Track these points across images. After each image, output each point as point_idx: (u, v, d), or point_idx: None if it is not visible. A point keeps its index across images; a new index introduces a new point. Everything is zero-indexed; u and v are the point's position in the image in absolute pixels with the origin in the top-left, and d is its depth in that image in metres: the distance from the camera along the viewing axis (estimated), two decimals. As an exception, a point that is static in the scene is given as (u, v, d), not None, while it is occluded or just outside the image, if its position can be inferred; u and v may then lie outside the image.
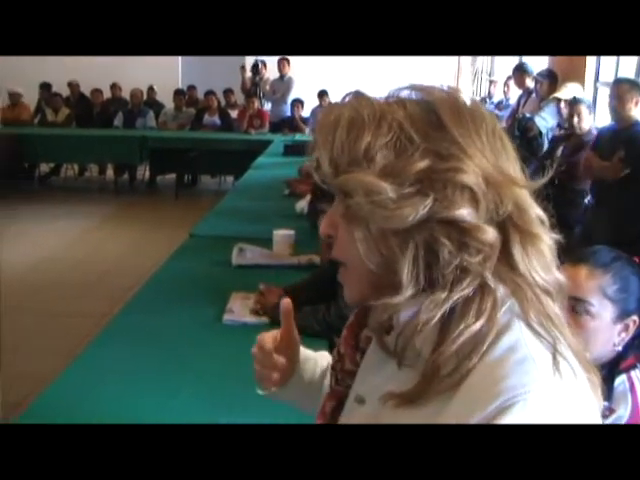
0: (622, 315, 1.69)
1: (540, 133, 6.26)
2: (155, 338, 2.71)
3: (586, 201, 5.11)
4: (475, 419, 0.79)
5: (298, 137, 9.82)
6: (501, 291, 0.86)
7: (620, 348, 1.71)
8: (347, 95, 0.93)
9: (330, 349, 2.61)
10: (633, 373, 1.69)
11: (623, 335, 1.71)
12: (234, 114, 11.02)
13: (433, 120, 0.86)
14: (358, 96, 0.91)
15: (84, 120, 11.17)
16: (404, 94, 0.91)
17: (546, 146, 6.22)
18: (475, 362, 0.82)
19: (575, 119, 5.36)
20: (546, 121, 6.28)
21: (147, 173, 11.06)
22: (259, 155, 8.35)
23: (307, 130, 10.52)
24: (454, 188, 0.83)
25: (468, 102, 0.90)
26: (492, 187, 0.84)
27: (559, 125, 6.21)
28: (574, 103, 5.50)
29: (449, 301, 0.84)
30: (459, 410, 0.82)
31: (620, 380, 1.68)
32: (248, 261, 3.63)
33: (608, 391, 1.64)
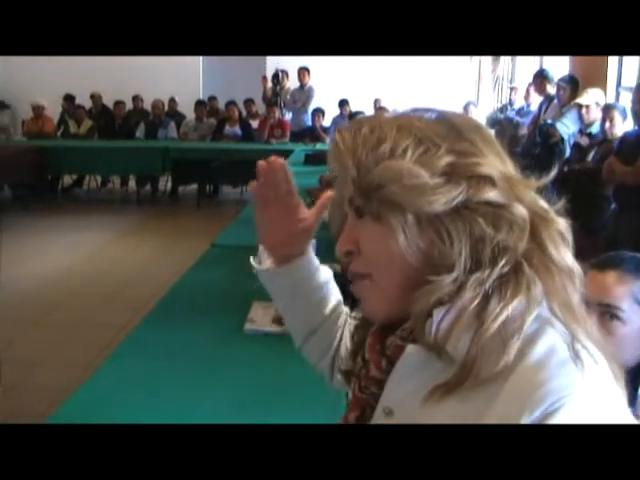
0: None
1: (562, 139, 6.23)
2: (176, 349, 2.70)
3: (612, 207, 5.06)
4: (522, 422, 0.79)
5: (319, 146, 9.83)
6: (537, 285, 0.87)
7: None
8: (355, 118, 0.99)
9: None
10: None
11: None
12: (255, 124, 11.06)
13: (448, 126, 0.91)
14: (368, 116, 0.98)
15: (106, 132, 11.25)
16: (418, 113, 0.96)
17: (568, 152, 6.19)
18: (517, 361, 0.83)
19: (607, 124, 5.31)
20: (567, 127, 6.25)
21: (169, 184, 11.11)
22: (281, 164, 8.35)
23: (328, 139, 10.53)
24: (478, 179, 0.87)
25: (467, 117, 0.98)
26: (508, 184, 0.89)
27: (580, 131, 6.17)
28: (607, 108, 5.47)
29: (491, 278, 0.86)
30: (504, 412, 0.81)
31: None
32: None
33: (633, 397, 1.61)
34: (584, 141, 6.01)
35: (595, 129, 6.00)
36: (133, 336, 2.84)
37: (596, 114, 5.94)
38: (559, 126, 6.27)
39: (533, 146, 6.52)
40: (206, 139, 10.92)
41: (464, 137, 0.90)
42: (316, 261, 1.35)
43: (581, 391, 0.79)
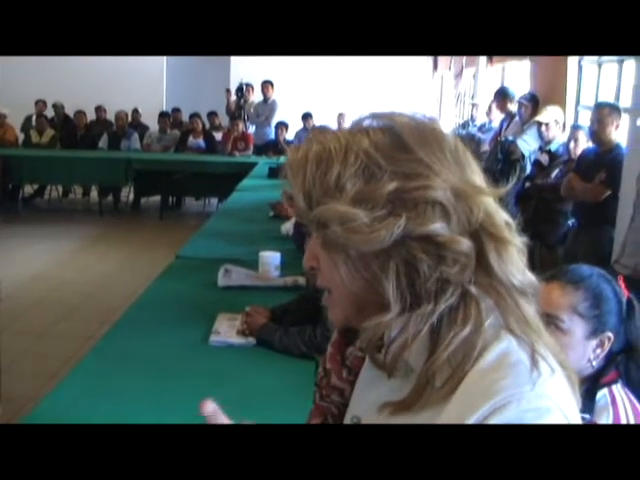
0: (595, 331, 1.72)
1: (523, 156, 6.32)
2: (142, 360, 2.70)
3: (570, 223, 5.16)
4: (471, 420, 0.82)
5: (282, 159, 9.76)
6: (486, 302, 0.89)
7: (595, 363, 1.73)
8: (311, 131, 0.99)
9: (317, 369, 2.63)
10: (614, 387, 1.71)
11: (598, 351, 1.73)
12: (218, 136, 11.05)
13: (397, 144, 0.89)
14: (322, 131, 0.94)
15: (68, 142, 11.16)
16: (367, 123, 0.94)
17: (529, 169, 6.29)
18: (468, 369, 0.85)
19: (572, 144, 5.42)
20: (528, 144, 6.34)
21: (131, 195, 11.05)
22: (244, 177, 8.38)
23: (291, 152, 10.55)
24: (425, 205, 0.86)
25: (428, 122, 0.93)
26: (461, 199, 0.87)
27: (540, 148, 6.28)
28: (574, 129, 5.59)
29: (436, 312, 0.88)
30: (454, 413, 0.84)
31: (601, 394, 1.70)
32: (234, 282, 3.65)
33: (590, 404, 1.66)
34: (544, 159, 6.12)
35: (554, 147, 6.12)
36: (98, 347, 2.82)
37: (555, 132, 6.07)
38: (520, 143, 6.36)
39: (495, 162, 6.60)
40: (169, 150, 10.89)
41: (414, 154, 0.88)
42: None
43: (531, 392, 0.82)
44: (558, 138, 6.19)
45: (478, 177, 0.91)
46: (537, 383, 0.83)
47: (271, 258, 3.82)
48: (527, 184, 6.13)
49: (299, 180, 0.91)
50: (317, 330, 2.77)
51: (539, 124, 6.17)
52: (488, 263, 0.88)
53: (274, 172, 8.17)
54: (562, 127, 6.23)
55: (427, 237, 0.86)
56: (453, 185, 0.87)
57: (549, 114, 6.13)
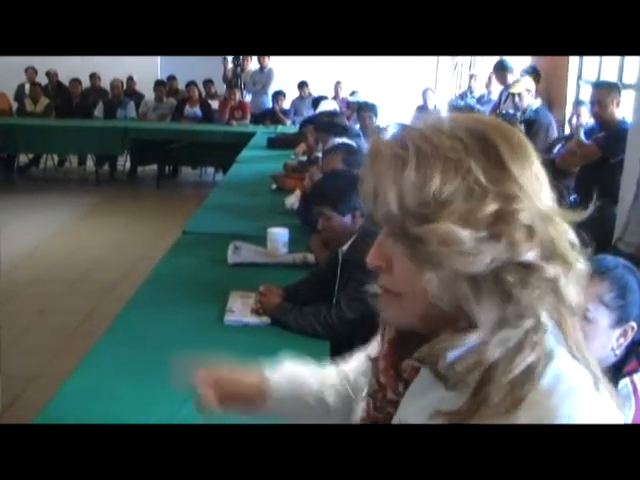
0: (620, 321, 1.76)
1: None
2: (158, 341, 2.71)
3: (572, 198, 5.20)
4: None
5: (280, 129, 9.84)
6: (550, 323, 0.91)
7: (619, 352, 1.78)
8: (397, 127, 0.94)
9: (332, 350, 2.67)
10: (636, 376, 1.76)
11: (621, 340, 1.78)
12: (215, 105, 11.00)
13: (494, 159, 0.88)
14: (411, 129, 0.92)
15: (63, 110, 11.08)
16: (453, 125, 0.91)
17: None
18: (528, 392, 0.87)
19: (574, 119, 5.48)
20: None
21: (128, 164, 11.01)
22: (241, 147, 8.35)
23: (288, 122, 10.55)
24: (520, 229, 0.86)
25: (512, 130, 0.92)
26: (546, 223, 0.88)
27: (518, 120, 6.32)
28: (577, 105, 5.64)
29: (514, 338, 0.89)
30: None
31: (623, 383, 1.75)
32: (244, 259, 3.67)
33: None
34: (520, 129, 6.17)
35: (528, 114, 6.21)
36: (113, 329, 2.83)
37: (528, 100, 6.29)
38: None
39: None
40: (166, 119, 10.84)
41: (509, 172, 0.87)
42: (284, 396, 1.41)
43: (584, 419, 0.86)
44: (532, 106, 6.30)
45: (550, 195, 0.92)
46: (591, 408, 0.88)
47: (279, 235, 3.84)
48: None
49: (392, 180, 0.88)
50: (332, 311, 2.81)
51: (512, 95, 6.27)
52: (557, 286, 0.89)
53: (274, 143, 8.16)
54: (534, 95, 6.33)
55: (521, 263, 0.87)
56: (540, 208, 0.88)
57: (521, 85, 6.27)
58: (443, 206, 0.86)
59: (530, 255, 0.87)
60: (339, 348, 2.73)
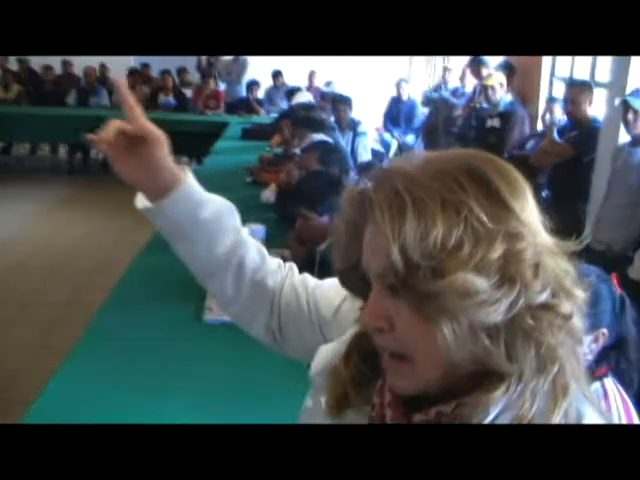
0: (592, 327, 1.82)
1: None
2: (138, 341, 2.74)
3: (544, 194, 5.28)
4: None
5: (255, 119, 9.83)
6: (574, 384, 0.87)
7: (590, 357, 1.84)
8: (386, 171, 0.87)
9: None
10: (606, 381, 1.82)
11: (593, 346, 1.84)
12: (189, 94, 10.96)
13: (494, 197, 0.82)
14: (398, 174, 0.85)
15: (35, 98, 10.97)
16: (437, 159, 0.86)
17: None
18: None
19: (547, 116, 5.57)
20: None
21: (101, 153, 10.88)
22: (215, 136, 8.35)
23: (263, 112, 10.55)
24: (529, 268, 0.81)
25: (506, 164, 0.87)
26: (550, 259, 0.84)
27: (490, 115, 6.38)
28: (550, 102, 5.74)
29: (545, 386, 0.84)
30: None
31: (594, 387, 1.81)
32: (221, 255, 3.69)
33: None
34: (496, 122, 6.26)
35: (504, 107, 6.27)
36: (92, 330, 2.83)
37: (500, 93, 6.33)
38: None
39: (468, 130, 6.70)
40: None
41: (511, 209, 0.82)
42: (197, 194, 1.24)
43: None
44: (504, 99, 6.36)
45: (541, 223, 0.86)
46: None
47: (256, 231, 3.85)
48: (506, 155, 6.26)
49: (391, 229, 0.81)
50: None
51: (485, 88, 6.34)
52: (570, 323, 0.85)
53: (248, 133, 8.17)
54: (505, 89, 6.40)
55: (537, 304, 0.82)
56: (542, 243, 0.84)
57: (494, 78, 6.34)
58: (451, 255, 0.80)
59: (544, 295, 0.82)
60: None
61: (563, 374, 0.85)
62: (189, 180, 1.20)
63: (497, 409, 0.84)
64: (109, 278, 3.36)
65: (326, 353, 1.07)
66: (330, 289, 1.22)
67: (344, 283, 0.97)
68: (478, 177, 0.83)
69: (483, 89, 6.47)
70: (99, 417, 2.15)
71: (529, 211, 0.84)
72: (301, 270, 3.28)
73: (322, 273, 3.09)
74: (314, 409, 1.06)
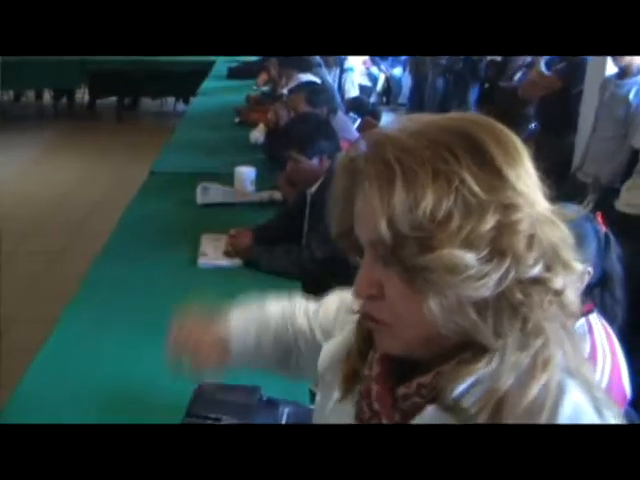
0: None
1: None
2: (135, 289, 2.78)
3: (532, 126, 5.30)
4: None
5: (240, 57, 9.70)
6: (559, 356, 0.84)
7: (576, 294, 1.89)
8: (373, 135, 0.85)
9: (304, 288, 2.77)
10: (591, 317, 1.88)
11: (578, 284, 1.89)
12: (173, 33, 10.79)
13: (488, 166, 0.79)
14: (390, 140, 0.82)
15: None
16: (437, 133, 0.82)
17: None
18: (546, 417, 0.80)
19: None
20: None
21: (86, 97, 10.82)
22: (201, 75, 8.27)
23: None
24: (522, 240, 0.79)
25: (503, 129, 0.84)
26: (548, 228, 0.82)
27: None
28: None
29: (526, 360, 0.82)
30: None
31: (580, 323, 1.86)
32: (212, 199, 3.73)
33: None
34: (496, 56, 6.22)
35: None
36: (89, 279, 2.87)
37: None
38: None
39: (455, 61, 6.67)
40: (123, 49, 10.63)
41: (506, 179, 0.79)
42: (242, 334, 1.38)
43: None
44: None
45: (541, 193, 0.84)
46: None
47: (246, 174, 3.89)
48: (486, 85, 6.25)
49: (379, 205, 0.79)
50: (304, 252, 2.90)
51: None
52: (562, 297, 0.83)
53: (234, 73, 8.09)
54: None
55: (528, 278, 0.80)
56: (540, 212, 0.81)
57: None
58: (440, 227, 0.78)
59: (536, 269, 0.80)
60: (311, 288, 2.84)
61: (547, 348, 0.82)
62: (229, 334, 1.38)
63: (472, 379, 0.83)
64: (102, 225, 3.37)
65: (329, 348, 1.09)
66: (329, 307, 1.27)
67: (340, 246, 0.96)
68: (473, 145, 0.80)
69: None
70: (101, 365, 2.22)
71: (526, 180, 0.81)
72: (292, 211, 3.34)
73: (313, 214, 3.16)
74: (324, 404, 1.06)
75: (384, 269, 0.84)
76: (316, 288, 2.91)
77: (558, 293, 0.82)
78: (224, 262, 3.00)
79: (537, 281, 0.81)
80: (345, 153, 0.89)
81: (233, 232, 3.11)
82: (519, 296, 0.80)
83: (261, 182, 3.91)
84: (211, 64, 9.06)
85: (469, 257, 0.77)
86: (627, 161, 3.78)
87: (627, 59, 3.89)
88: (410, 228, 0.78)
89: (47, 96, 10.92)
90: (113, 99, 10.46)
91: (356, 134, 4.19)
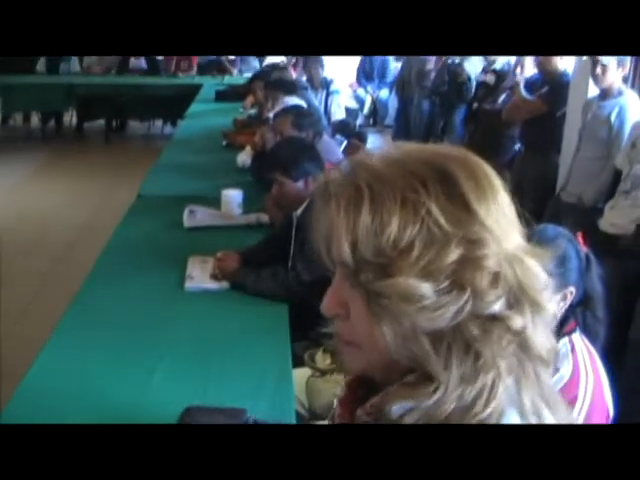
0: (560, 287, 1.89)
1: (469, 78, 6.46)
2: (123, 312, 2.79)
3: (516, 148, 5.35)
4: None
5: (227, 80, 9.79)
6: (511, 389, 0.82)
7: (559, 315, 1.91)
8: (350, 161, 0.86)
9: (290, 312, 2.78)
10: (574, 336, 1.90)
11: (561, 304, 1.91)
12: (160, 56, 10.87)
13: (458, 200, 0.80)
14: (364, 166, 0.84)
15: (2, 66, 10.77)
16: (406, 155, 0.84)
17: (473, 91, 6.45)
18: None
19: (518, 70, 5.61)
20: (475, 66, 6.48)
21: (74, 119, 10.85)
22: (189, 98, 8.33)
23: (235, 71, 10.50)
24: (486, 276, 0.79)
25: (478, 163, 0.84)
26: (513, 265, 0.81)
27: (484, 69, 6.42)
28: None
29: (472, 394, 0.80)
30: None
31: (563, 342, 1.89)
32: (199, 222, 3.75)
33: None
34: (490, 79, 6.27)
35: (499, 65, 6.28)
36: (77, 302, 2.87)
37: None
38: (466, 65, 6.49)
39: (441, 84, 6.72)
40: (111, 72, 10.69)
41: (475, 214, 0.79)
42: None
43: None
44: (502, 57, 6.36)
45: (516, 229, 0.84)
46: None
47: (233, 197, 3.91)
48: (474, 105, 6.30)
49: (344, 227, 0.80)
50: (290, 274, 2.92)
51: None
52: (524, 337, 0.82)
53: (222, 96, 8.14)
54: None
55: (488, 315, 0.79)
56: (508, 250, 0.81)
57: None
58: (401, 255, 0.79)
59: (499, 305, 0.80)
60: (297, 310, 2.86)
61: (496, 385, 0.80)
62: None
63: (410, 404, 0.82)
64: (90, 249, 3.37)
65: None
66: None
67: (325, 265, 0.94)
68: (444, 177, 0.80)
69: None
70: (87, 386, 2.23)
71: (497, 216, 0.81)
72: (279, 234, 3.36)
73: (299, 237, 3.19)
74: None
75: (350, 289, 0.85)
76: (302, 310, 2.95)
77: (517, 333, 0.81)
78: (211, 285, 3.00)
79: (496, 318, 0.80)
80: (320, 179, 0.89)
81: (220, 255, 3.12)
82: (475, 331, 0.79)
83: (248, 205, 3.93)
84: (198, 87, 9.13)
85: (425, 287, 0.78)
86: (610, 181, 3.81)
87: (608, 81, 3.94)
88: (372, 253, 0.79)
89: (35, 119, 10.92)
90: (101, 122, 10.48)
91: (341, 156, 4.22)
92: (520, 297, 0.81)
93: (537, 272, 0.83)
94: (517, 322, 0.80)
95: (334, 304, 0.87)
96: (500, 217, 0.81)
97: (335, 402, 1.00)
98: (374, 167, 0.83)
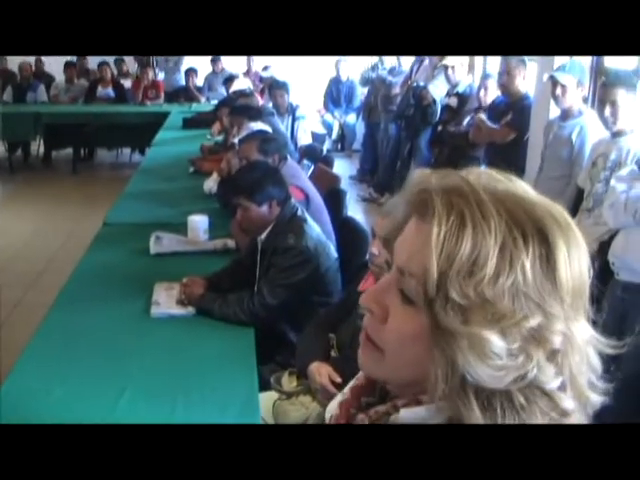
0: None
1: (434, 101, 6.53)
2: (88, 339, 2.77)
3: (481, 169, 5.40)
4: None
5: (194, 107, 9.80)
6: None
7: None
8: (458, 181, 0.81)
9: (256, 336, 2.78)
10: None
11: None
12: (128, 84, 10.86)
13: (549, 262, 0.76)
14: (469, 192, 0.78)
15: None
16: (509, 196, 0.79)
17: (438, 114, 6.52)
18: None
19: (482, 92, 5.69)
20: (439, 89, 6.55)
21: (42, 148, 10.79)
22: (156, 126, 8.32)
23: (203, 99, 10.52)
24: (549, 352, 0.77)
25: (575, 229, 0.80)
26: (574, 353, 0.79)
27: (448, 93, 6.51)
28: (484, 78, 5.86)
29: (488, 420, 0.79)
30: None
31: None
32: (165, 249, 3.74)
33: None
34: (453, 102, 6.36)
35: (462, 88, 6.37)
36: (42, 329, 2.86)
37: (461, 74, 6.34)
38: (431, 88, 6.56)
39: (407, 108, 6.78)
40: (78, 101, 10.65)
41: (560, 291, 0.77)
42: None
43: None
44: (464, 80, 6.45)
45: (585, 307, 0.81)
46: None
47: (199, 222, 3.91)
48: (439, 128, 6.37)
49: (438, 253, 0.76)
50: (255, 298, 2.92)
51: (445, 67, 6.40)
52: (566, 419, 0.80)
53: (189, 123, 8.15)
54: (467, 69, 6.46)
55: (542, 389, 0.78)
56: (575, 335, 0.78)
57: (454, 57, 6.37)
58: (485, 305, 0.75)
59: (554, 384, 0.78)
60: (263, 334, 2.86)
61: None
62: None
63: (417, 417, 0.82)
64: (58, 278, 3.34)
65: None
66: None
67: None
68: (543, 238, 0.77)
69: (443, 69, 6.50)
70: (53, 414, 2.21)
71: (576, 295, 0.78)
72: (245, 258, 3.35)
73: (264, 261, 3.19)
74: None
75: (396, 298, 0.83)
76: (268, 335, 2.94)
77: (565, 414, 0.79)
78: (177, 311, 3.00)
79: (546, 394, 0.78)
80: (418, 178, 0.85)
81: (186, 281, 3.12)
82: (522, 400, 0.77)
83: (215, 230, 3.93)
84: (166, 115, 9.13)
85: (500, 347, 0.75)
86: (573, 199, 3.86)
87: (568, 102, 4.00)
88: (458, 293, 0.75)
89: (1, 149, 10.84)
90: (69, 151, 10.43)
91: (306, 181, 4.24)
92: (569, 384, 0.79)
93: (593, 365, 0.81)
94: (569, 404, 0.79)
95: (372, 300, 0.85)
96: (577, 298, 0.79)
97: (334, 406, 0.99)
98: (481, 198, 0.78)
